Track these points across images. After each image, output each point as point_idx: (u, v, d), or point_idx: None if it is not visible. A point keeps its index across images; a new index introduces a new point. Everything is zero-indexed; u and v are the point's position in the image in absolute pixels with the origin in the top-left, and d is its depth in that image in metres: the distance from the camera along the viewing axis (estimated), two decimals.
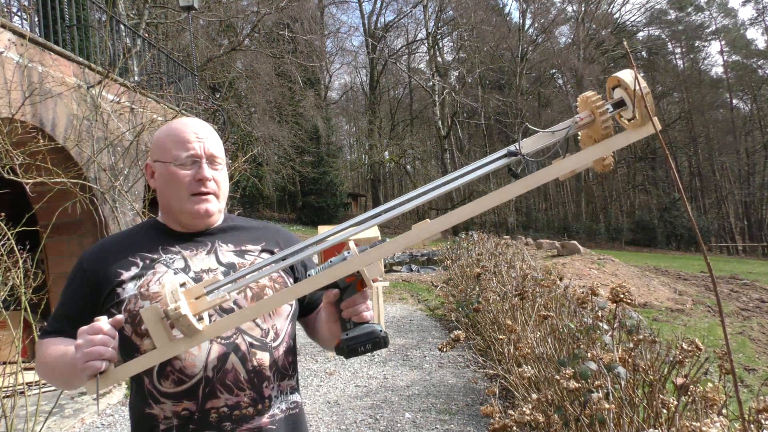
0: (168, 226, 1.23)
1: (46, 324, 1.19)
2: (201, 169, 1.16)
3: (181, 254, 1.18)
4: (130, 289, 1.11)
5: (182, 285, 0.97)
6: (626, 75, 0.95)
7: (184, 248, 1.19)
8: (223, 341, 1.09)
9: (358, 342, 1.02)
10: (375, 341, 1.02)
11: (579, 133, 1.01)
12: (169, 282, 0.94)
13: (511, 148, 0.97)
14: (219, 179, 1.20)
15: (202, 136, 1.18)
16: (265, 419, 1.11)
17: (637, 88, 0.91)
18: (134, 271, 1.14)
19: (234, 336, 1.10)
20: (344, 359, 1.10)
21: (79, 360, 0.95)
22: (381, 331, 1.03)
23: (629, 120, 0.97)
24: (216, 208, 1.20)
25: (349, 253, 0.99)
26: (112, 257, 1.16)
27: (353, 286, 1.03)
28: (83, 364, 0.95)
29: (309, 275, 1.00)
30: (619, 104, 0.97)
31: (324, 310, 1.13)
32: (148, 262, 1.15)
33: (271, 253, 1.27)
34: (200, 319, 0.98)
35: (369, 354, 5.73)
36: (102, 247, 1.21)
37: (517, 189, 0.96)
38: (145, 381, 1.09)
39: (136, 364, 0.97)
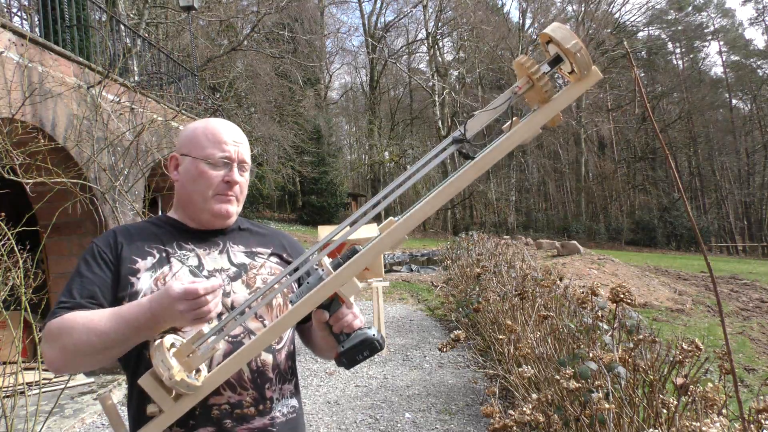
0: (182, 222, 1.23)
1: (60, 300, 1.08)
2: (232, 172, 1.18)
3: (195, 252, 1.18)
4: (145, 280, 1.10)
5: (171, 346, 0.97)
6: (556, 31, 0.90)
7: (198, 246, 1.20)
8: (230, 340, 1.10)
9: (355, 352, 1.04)
10: (371, 347, 1.04)
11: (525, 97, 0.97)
12: (158, 351, 0.94)
13: (456, 134, 0.95)
14: (243, 185, 1.22)
15: (238, 140, 1.20)
16: (266, 420, 1.12)
17: (571, 44, 0.87)
18: (150, 261, 1.13)
19: (241, 335, 1.12)
20: (345, 369, 1.12)
21: (187, 311, 0.94)
22: (374, 335, 1.04)
23: (569, 73, 0.93)
24: (235, 210, 1.22)
25: (322, 270, 0.99)
26: (129, 242, 1.16)
27: (336, 300, 1.02)
28: (192, 313, 0.94)
29: (291, 300, 1.00)
30: (557, 60, 0.93)
31: (315, 328, 1.13)
32: (164, 255, 1.15)
33: (279, 257, 1.28)
34: (198, 371, 0.98)
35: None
36: (119, 231, 1.19)
37: (471, 173, 0.95)
38: None
39: (147, 430, 0.97)
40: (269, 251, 1.28)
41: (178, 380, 0.92)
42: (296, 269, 1.03)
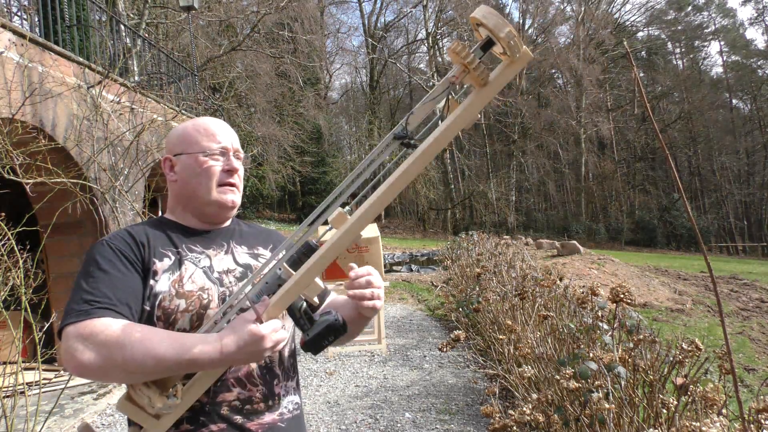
0: (183, 223, 1.23)
1: (89, 299, 0.99)
2: (230, 160, 1.21)
3: (205, 253, 1.19)
4: (163, 282, 1.09)
5: None
6: (488, 18, 0.90)
7: (205, 247, 1.20)
8: None
9: (320, 339, 1.07)
10: (336, 331, 1.07)
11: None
12: None
13: (397, 130, 0.97)
14: (241, 174, 1.25)
15: (228, 131, 1.24)
16: (275, 416, 1.13)
17: (504, 33, 0.88)
18: (167, 263, 1.12)
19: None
20: (313, 355, 1.17)
21: (267, 345, 0.97)
22: (337, 319, 1.07)
23: (501, 53, 0.96)
24: (239, 201, 1.24)
25: (280, 270, 1.01)
26: (146, 242, 1.14)
27: None
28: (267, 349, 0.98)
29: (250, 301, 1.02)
30: (489, 43, 0.94)
31: None
32: (177, 257, 1.14)
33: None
34: (174, 386, 1.00)
35: (368, 354, 5.74)
36: (134, 231, 1.16)
37: (418, 164, 0.97)
38: None
39: None
40: (269, 251, 1.30)
41: (160, 406, 0.94)
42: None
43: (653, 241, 30.20)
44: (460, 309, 6.33)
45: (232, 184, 1.21)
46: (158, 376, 0.97)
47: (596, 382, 2.13)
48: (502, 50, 0.94)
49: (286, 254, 1.03)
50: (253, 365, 1.11)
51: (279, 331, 0.99)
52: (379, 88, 35.86)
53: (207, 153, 1.18)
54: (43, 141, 4.27)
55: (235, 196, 1.22)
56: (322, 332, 1.06)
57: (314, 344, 1.06)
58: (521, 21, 34.75)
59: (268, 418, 1.11)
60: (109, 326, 0.95)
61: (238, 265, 1.20)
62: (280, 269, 1.01)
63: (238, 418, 1.08)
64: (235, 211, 1.26)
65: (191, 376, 1.03)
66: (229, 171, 1.20)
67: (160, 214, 1.31)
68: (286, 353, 1.20)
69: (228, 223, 1.28)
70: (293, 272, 1.00)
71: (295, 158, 22.83)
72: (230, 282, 1.15)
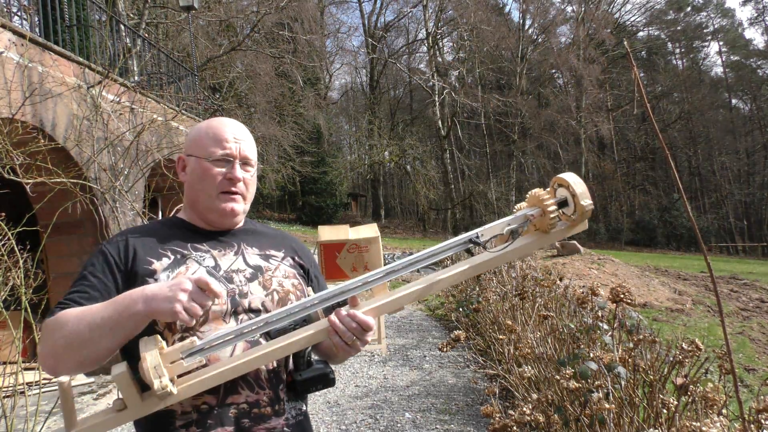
0: (193, 223, 1.24)
1: (59, 301, 1.07)
2: (233, 168, 1.18)
3: (210, 253, 1.18)
4: (162, 280, 1.09)
5: (161, 348, 0.99)
6: (577, 185, 1.07)
7: (212, 247, 1.20)
8: (248, 339, 1.09)
9: (310, 383, 1.13)
10: (326, 382, 1.14)
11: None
12: (151, 356, 0.95)
13: (473, 235, 1.11)
14: (248, 182, 1.22)
15: (239, 137, 1.21)
16: (281, 421, 1.12)
17: (587, 203, 1.07)
18: (166, 262, 1.12)
19: (260, 336, 1.12)
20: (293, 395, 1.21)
21: (179, 299, 0.94)
22: (330, 372, 1.13)
23: (569, 215, 1.13)
24: (241, 208, 1.22)
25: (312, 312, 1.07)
26: (143, 244, 1.15)
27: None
28: (185, 303, 0.94)
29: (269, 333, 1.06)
30: (564, 202, 1.13)
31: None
32: (179, 256, 1.14)
33: (292, 259, 1.30)
34: (174, 378, 0.99)
35: (368, 354, 5.73)
36: (131, 233, 1.19)
37: (470, 271, 1.10)
38: None
39: (102, 425, 1.00)
40: (282, 254, 1.28)
41: (168, 392, 0.93)
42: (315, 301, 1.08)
43: (653, 241, 30.21)
44: (460, 309, 6.33)
45: (233, 192, 1.19)
46: (102, 341, 0.97)
47: (596, 382, 2.13)
48: (571, 213, 1.11)
49: (329, 298, 1.06)
50: (262, 368, 1.10)
51: (214, 283, 0.97)
52: (379, 88, 35.88)
53: (209, 159, 1.17)
54: (43, 141, 4.27)
55: (236, 205, 1.20)
56: (314, 379, 1.12)
57: (302, 386, 1.12)
58: (521, 21, 34.76)
59: (275, 422, 1.11)
60: (56, 317, 1.01)
61: (247, 266, 1.19)
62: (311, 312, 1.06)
63: (246, 421, 1.07)
64: (240, 217, 1.25)
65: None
66: (231, 180, 1.18)
67: (160, 214, 1.31)
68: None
69: (240, 224, 1.28)
70: (323, 318, 1.04)
71: (295, 158, 22.83)
72: (240, 281, 1.15)
